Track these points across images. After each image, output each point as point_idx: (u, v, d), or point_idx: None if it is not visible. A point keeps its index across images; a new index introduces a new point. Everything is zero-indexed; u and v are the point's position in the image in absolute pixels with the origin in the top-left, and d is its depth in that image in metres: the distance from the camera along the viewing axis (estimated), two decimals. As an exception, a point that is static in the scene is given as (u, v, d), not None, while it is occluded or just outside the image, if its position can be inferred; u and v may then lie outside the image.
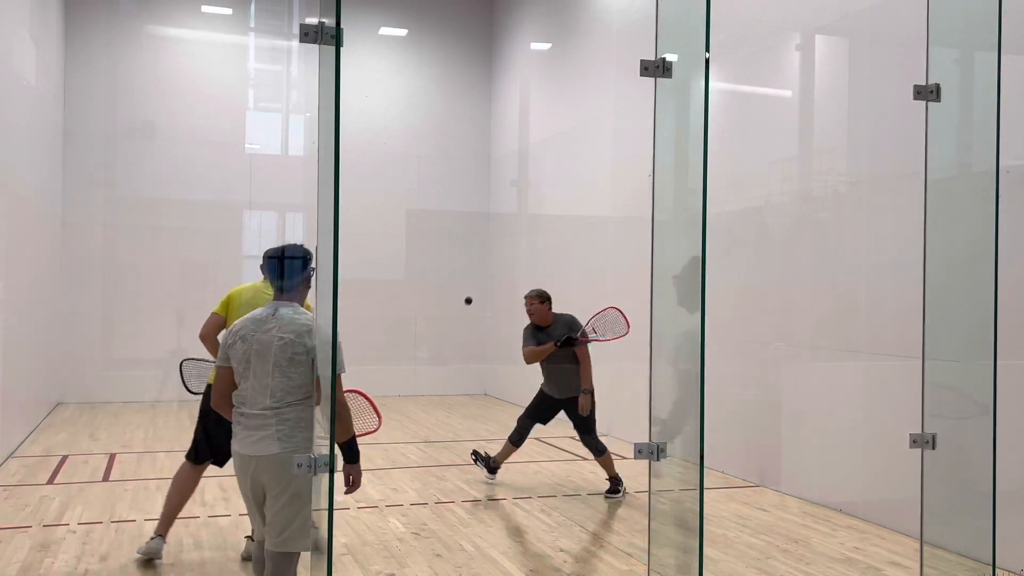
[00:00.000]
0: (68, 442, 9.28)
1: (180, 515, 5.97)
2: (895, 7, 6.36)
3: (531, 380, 13.31)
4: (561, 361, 7.13)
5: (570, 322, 7.20)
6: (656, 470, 4.26)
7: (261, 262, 3.76)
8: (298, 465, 2.91)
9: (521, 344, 7.28)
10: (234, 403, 3.58)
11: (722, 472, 7.81)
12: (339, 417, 3.42)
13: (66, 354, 11.95)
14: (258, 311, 3.60)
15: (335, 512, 3.05)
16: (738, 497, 7.06)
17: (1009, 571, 4.87)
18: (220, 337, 3.85)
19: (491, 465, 7.51)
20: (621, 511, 6.65)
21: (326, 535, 3.00)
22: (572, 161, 11.74)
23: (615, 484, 7.06)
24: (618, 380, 10.12)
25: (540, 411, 7.36)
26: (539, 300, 7.21)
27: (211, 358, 4.96)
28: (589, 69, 11.20)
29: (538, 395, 7.38)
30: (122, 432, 9.93)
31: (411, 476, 7.74)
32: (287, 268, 3.55)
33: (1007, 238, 4.03)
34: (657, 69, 3.37)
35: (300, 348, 3.43)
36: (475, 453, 7.69)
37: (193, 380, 5.12)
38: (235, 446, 3.53)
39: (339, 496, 3.28)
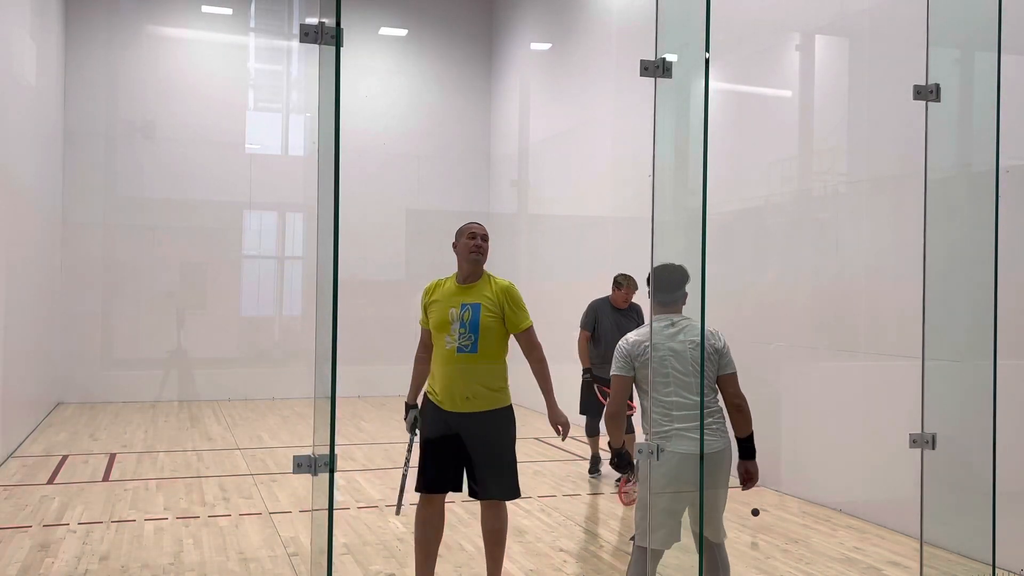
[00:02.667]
0: (68, 442, 9.28)
1: (180, 515, 6.00)
2: (895, 7, 6.36)
3: (531, 380, 13.28)
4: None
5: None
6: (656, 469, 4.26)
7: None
8: (298, 465, 2.91)
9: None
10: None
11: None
12: (741, 411, 3.96)
13: (66, 354, 11.95)
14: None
15: (335, 512, 3.05)
16: (738, 497, 7.06)
17: (1009, 571, 4.87)
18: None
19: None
20: (621, 511, 6.65)
21: (326, 535, 3.00)
22: (572, 161, 11.74)
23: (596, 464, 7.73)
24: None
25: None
26: (630, 284, 7.48)
27: None
28: (589, 69, 11.21)
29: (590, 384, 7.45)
30: (122, 432, 9.93)
31: (411, 476, 7.73)
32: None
33: (1007, 238, 4.03)
34: (657, 69, 3.37)
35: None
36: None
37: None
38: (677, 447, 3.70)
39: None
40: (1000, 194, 3.91)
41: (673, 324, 3.84)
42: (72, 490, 7.06)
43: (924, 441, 3.89)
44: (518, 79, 13.58)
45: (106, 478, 7.59)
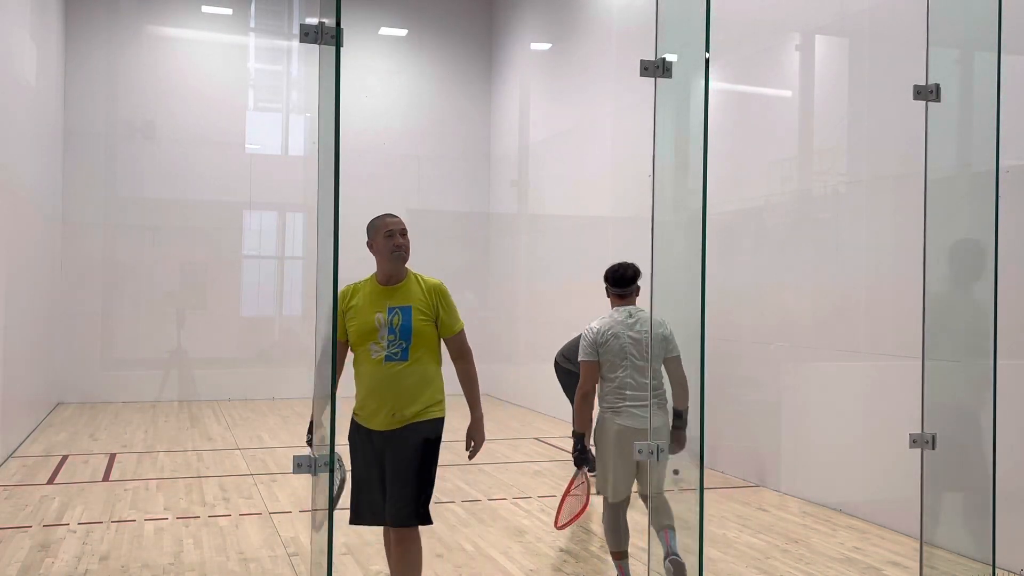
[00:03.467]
0: (68, 442, 9.28)
1: (180, 515, 6.00)
2: (895, 7, 6.36)
3: (531, 380, 13.32)
4: None
5: None
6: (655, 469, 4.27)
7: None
8: (298, 465, 2.91)
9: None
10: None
11: (722, 472, 7.81)
12: (684, 388, 4.40)
13: (66, 354, 11.96)
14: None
15: (335, 512, 3.05)
16: (738, 497, 7.06)
17: (1009, 571, 4.87)
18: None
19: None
20: (621, 511, 6.64)
21: (326, 535, 3.01)
22: (572, 161, 11.74)
23: None
24: (618, 380, 10.11)
25: None
26: None
27: None
28: (589, 69, 11.21)
29: None
30: (122, 432, 9.93)
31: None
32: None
33: (1007, 238, 4.03)
34: (657, 69, 3.37)
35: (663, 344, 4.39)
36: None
37: None
38: (626, 422, 4.48)
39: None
40: (1000, 194, 3.91)
41: (631, 315, 4.62)
42: (72, 490, 7.06)
43: (924, 441, 3.89)
44: (518, 79, 13.58)
45: (106, 478, 7.59)
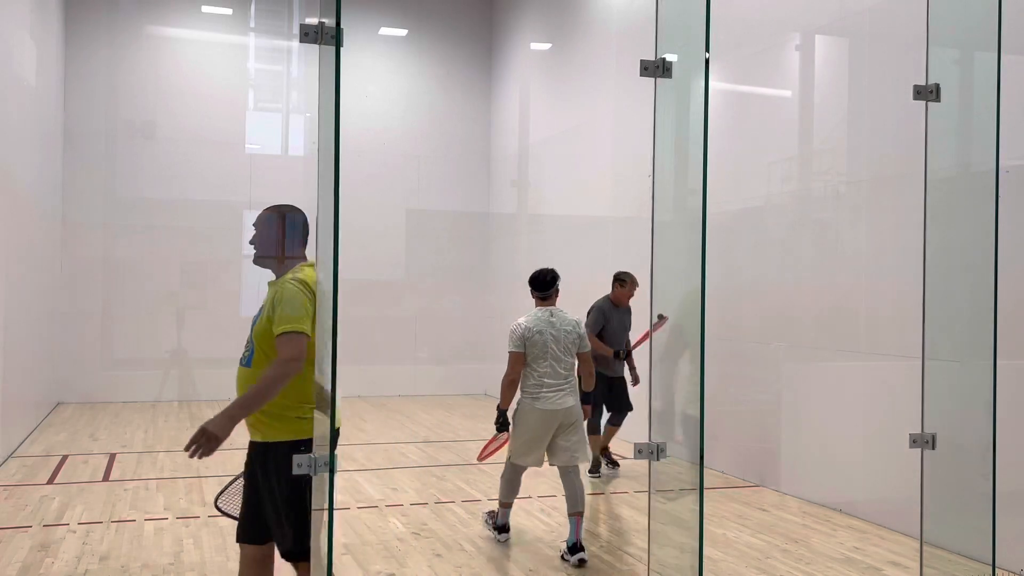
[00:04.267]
0: (68, 442, 9.28)
1: (180, 515, 5.99)
2: (895, 7, 6.36)
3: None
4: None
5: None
6: (656, 470, 4.26)
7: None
8: (298, 465, 2.91)
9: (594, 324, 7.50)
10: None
11: (722, 472, 7.81)
12: (591, 376, 5.60)
13: (66, 354, 11.95)
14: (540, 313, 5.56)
15: (335, 512, 3.05)
16: (738, 497, 7.06)
17: (1009, 571, 4.87)
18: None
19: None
20: (621, 511, 6.65)
21: (326, 535, 3.01)
22: (572, 161, 11.73)
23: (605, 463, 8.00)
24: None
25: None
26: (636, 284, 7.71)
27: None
28: (589, 69, 11.20)
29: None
30: (122, 432, 9.93)
31: (411, 476, 7.74)
32: None
33: (1007, 238, 4.03)
34: (657, 69, 3.37)
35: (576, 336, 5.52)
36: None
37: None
38: (543, 406, 5.37)
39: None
40: (1000, 194, 3.91)
41: (552, 315, 5.57)
42: (72, 490, 7.06)
43: (924, 441, 3.89)
44: (518, 79, 13.58)
45: (106, 478, 7.59)
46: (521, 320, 5.55)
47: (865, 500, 6.44)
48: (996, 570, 4.04)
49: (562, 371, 5.41)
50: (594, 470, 7.70)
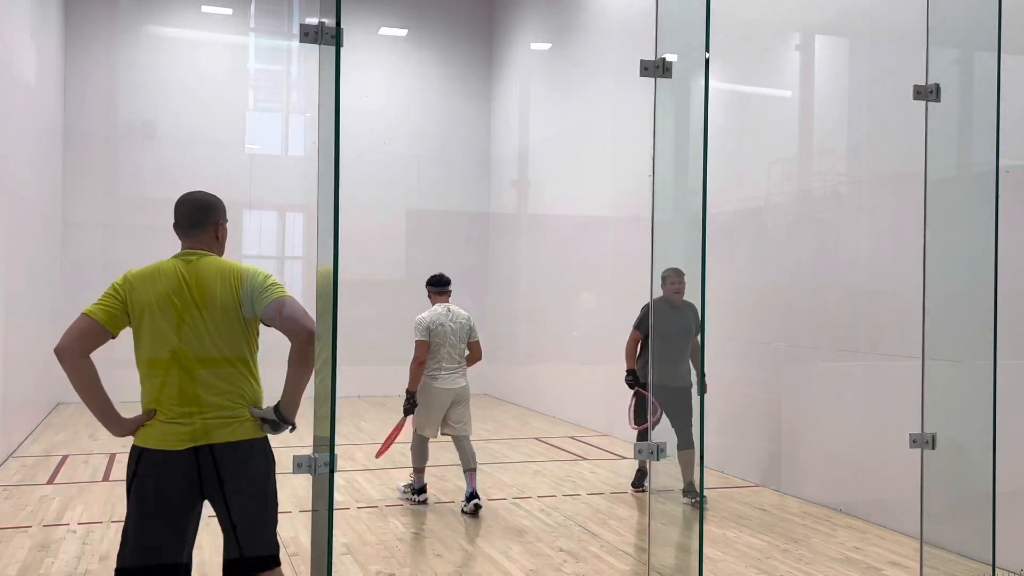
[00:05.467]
0: (68, 442, 9.28)
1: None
2: (895, 7, 6.36)
3: (531, 380, 13.32)
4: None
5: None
6: (656, 469, 4.27)
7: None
8: (298, 465, 2.91)
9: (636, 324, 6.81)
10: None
11: (722, 472, 7.81)
12: (478, 360, 6.81)
13: (66, 354, 11.93)
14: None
15: (335, 512, 3.05)
16: (738, 497, 7.06)
17: (1009, 571, 4.87)
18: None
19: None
20: (621, 511, 6.65)
21: (326, 535, 3.01)
22: (572, 161, 11.74)
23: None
24: (618, 380, 10.11)
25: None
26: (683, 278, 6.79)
27: None
28: (589, 69, 11.20)
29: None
30: (122, 432, 9.93)
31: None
32: None
33: (1007, 238, 4.03)
34: (657, 69, 3.37)
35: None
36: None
37: None
38: (440, 384, 6.48)
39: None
40: (1000, 194, 3.91)
41: (449, 311, 6.63)
42: (72, 490, 7.06)
43: (924, 441, 3.89)
44: (518, 79, 13.58)
45: (106, 478, 7.59)
46: (424, 314, 6.59)
47: (865, 500, 6.44)
48: (996, 570, 4.04)
49: (456, 356, 6.58)
50: (638, 484, 7.18)
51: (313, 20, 2.78)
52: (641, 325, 6.78)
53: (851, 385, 6.74)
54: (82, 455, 8.58)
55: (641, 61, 3.35)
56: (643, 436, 6.56)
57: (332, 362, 2.98)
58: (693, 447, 6.28)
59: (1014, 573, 4.95)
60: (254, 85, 13.87)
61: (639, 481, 7.17)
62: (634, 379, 6.77)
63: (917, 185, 4.03)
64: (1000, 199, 3.90)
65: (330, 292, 2.90)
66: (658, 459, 3.77)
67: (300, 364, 3.13)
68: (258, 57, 14.10)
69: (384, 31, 13.96)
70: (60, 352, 3.23)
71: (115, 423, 3.19)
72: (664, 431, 4.62)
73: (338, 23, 2.74)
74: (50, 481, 7.39)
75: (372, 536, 5.80)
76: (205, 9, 13.20)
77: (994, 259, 3.91)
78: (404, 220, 13.71)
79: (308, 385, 3.28)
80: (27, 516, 6.21)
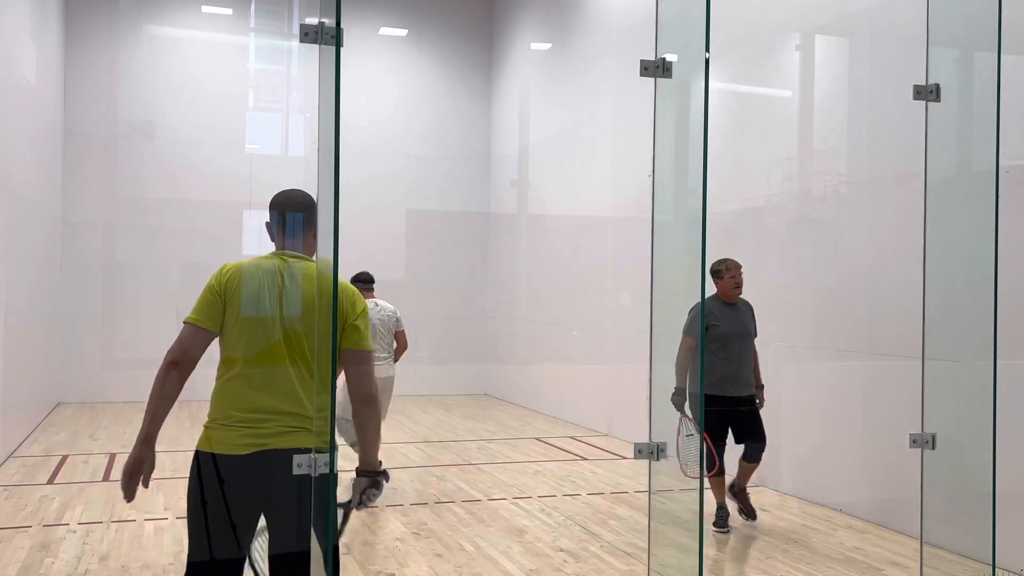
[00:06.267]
0: (68, 442, 9.28)
1: (180, 515, 5.98)
2: (895, 7, 6.36)
3: (531, 380, 13.32)
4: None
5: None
6: (656, 469, 4.26)
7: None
8: (298, 465, 2.91)
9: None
10: None
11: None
12: (404, 350, 7.32)
13: (66, 354, 11.95)
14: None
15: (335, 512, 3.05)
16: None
17: (1009, 571, 4.87)
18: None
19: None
20: (621, 511, 6.65)
21: (326, 535, 3.00)
22: (572, 161, 11.74)
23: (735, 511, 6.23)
24: (618, 380, 10.12)
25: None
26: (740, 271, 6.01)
27: None
28: (589, 69, 11.20)
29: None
30: (122, 432, 9.93)
31: (411, 476, 7.74)
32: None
33: (1007, 238, 4.02)
34: (657, 69, 3.37)
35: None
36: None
37: None
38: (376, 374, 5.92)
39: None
40: (1000, 194, 3.91)
41: (377, 304, 7.15)
42: (72, 490, 7.06)
43: (924, 441, 3.89)
44: (518, 79, 13.58)
45: (106, 478, 7.59)
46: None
47: (865, 500, 6.44)
48: (996, 570, 4.04)
49: (384, 346, 7.08)
50: (721, 523, 6.02)
51: (313, 20, 2.78)
52: (692, 329, 5.36)
53: (851, 385, 6.74)
54: (82, 455, 8.58)
55: (641, 61, 3.35)
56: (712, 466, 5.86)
57: (332, 362, 2.98)
58: (758, 462, 6.01)
59: (1014, 573, 4.95)
60: (254, 85, 13.87)
61: (723, 521, 6.02)
62: (682, 399, 5.47)
63: (917, 185, 4.03)
64: (1000, 199, 3.90)
65: (330, 292, 2.90)
66: (658, 459, 3.77)
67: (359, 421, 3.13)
68: (258, 57, 14.10)
69: (384, 31, 13.96)
70: (175, 364, 3.02)
71: (149, 439, 3.06)
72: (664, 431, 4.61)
73: (338, 23, 2.74)
74: (50, 481, 7.39)
75: (372, 536, 5.80)
76: (205, 9, 13.20)
77: (994, 259, 3.91)
78: (404, 220, 13.71)
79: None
80: (27, 516, 6.21)
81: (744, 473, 6.10)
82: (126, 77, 12.66)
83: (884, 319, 6.32)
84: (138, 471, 2.96)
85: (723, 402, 5.81)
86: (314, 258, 3.24)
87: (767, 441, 6.03)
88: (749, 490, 6.30)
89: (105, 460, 8.37)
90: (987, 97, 3.92)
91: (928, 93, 3.91)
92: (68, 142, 12.31)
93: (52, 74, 11.41)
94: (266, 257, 3.22)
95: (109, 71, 12.59)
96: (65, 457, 8.44)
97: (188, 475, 3.01)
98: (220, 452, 2.98)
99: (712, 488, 6.02)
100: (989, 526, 3.91)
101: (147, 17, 12.96)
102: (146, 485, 3.00)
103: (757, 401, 6.03)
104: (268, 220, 3.29)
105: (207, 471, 2.98)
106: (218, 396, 3.05)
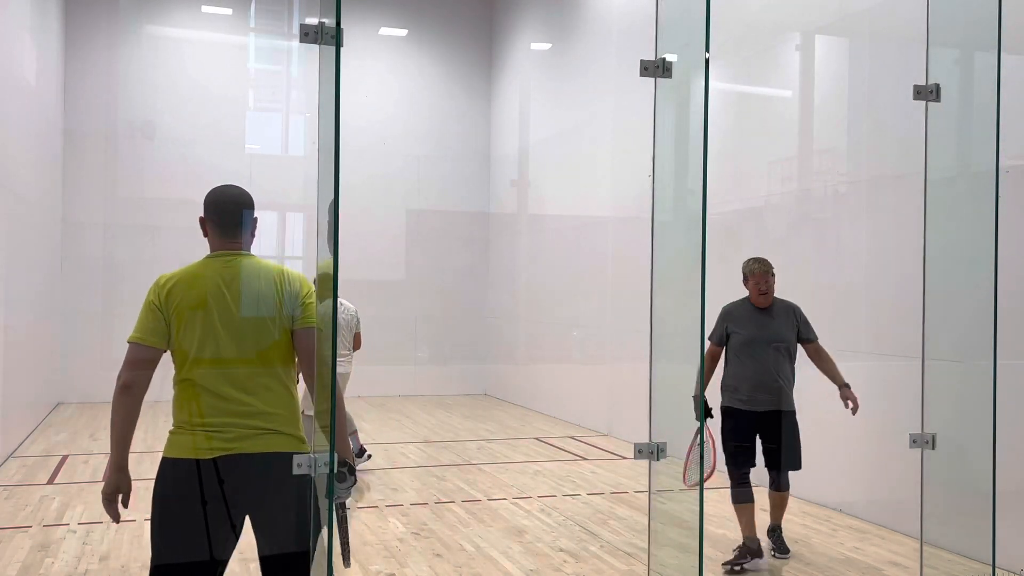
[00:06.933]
0: (68, 442, 9.28)
1: (114, 506, 6.02)
2: (895, 7, 6.36)
3: (531, 380, 13.30)
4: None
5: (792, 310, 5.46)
6: (656, 469, 4.26)
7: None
8: (298, 465, 2.91)
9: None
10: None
11: (722, 472, 7.80)
12: (359, 347, 7.13)
13: (66, 354, 11.95)
14: None
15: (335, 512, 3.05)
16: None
17: (1009, 571, 4.87)
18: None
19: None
20: (621, 511, 6.65)
21: (326, 535, 3.01)
22: (572, 161, 11.74)
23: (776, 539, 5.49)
24: (618, 380, 10.12)
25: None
26: (772, 274, 5.42)
27: None
28: (589, 69, 11.20)
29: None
30: (122, 432, 9.93)
31: (411, 476, 7.74)
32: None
33: (1007, 238, 4.03)
34: (657, 69, 3.37)
35: None
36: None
37: None
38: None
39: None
40: (1000, 194, 3.91)
41: (342, 305, 6.99)
42: (72, 490, 7.06)
43: (924, 441, 3.89)
44: (518, 79, 13.58)
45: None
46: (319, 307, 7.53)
47: (865, 500, 6.44)
48: (996, 570, 4.04)
49: (345, 344, 7.28)
50: (736, 560, 5.25)
51: (313, 20, 2.78)
52: (713, 334, 5.37)
53: (851, 385, 6.74)
54: (82, 455, 8.58)
55: (641, 61, 3.35)
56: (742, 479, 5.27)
57: (332, 362, 2.98)
58: (786, 491, 5.48)
59: (1014, 573, 4.95)
60: (254, 85, 13.87)
61: (740, 559, 5.26)
62: (704, 410, 4.77)
63: (917, 185, 4.03)
64: (1000, 199, 3.90)
65: (330, 292, 2.90)
66: (658, 459, 3.77)
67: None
68: (258, 57, 14.10)
69: (384, 31, 13.96)
70: (128, 388, 3.03)
71: (121, 465, 3.06)
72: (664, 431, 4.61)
73: (338, 23, 2.74)
74: (50, 481, 7.39)
75: (372, 536, 5.80)
76: (205, 9, 13.20)
77: (994, 259, 3.91)
78: (404, 220, 13.71)
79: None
80: (27, 516, 6.21)
81: (776, 507, 5.48)
82: (126, 77, 12.66)
83: (884, 319, 6.32)
84: (115, 497, 3.00)
85: (740, 415, 5.30)
86: (247, 252, 3.16)
87: (800, 461, 5.37)
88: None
89: (105, 460, 8.36)
90: (987, 97, 3.92)
91: (928, 93, 3.91)
92: (68, 142, 12.31)
93: (52, 74, 11.41)
94: (202, 262, 3.16)
95: (109, 71, 12.59)
96: (65, 457, 8.44)
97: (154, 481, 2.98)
98: (184, 457, 2.97)
99: (738, 517, 5.36)
100: (989, 526, 3.91)
101: (147, 17, 12.96)
102: (126, 506, 3.03)
103: (849, 404, 5.33)
104: (201, 216, 3.21)
105: (174, 476, 2.96)
106: (176, 403, 3.08)
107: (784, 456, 5.29)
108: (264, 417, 2.99)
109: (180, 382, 3.07)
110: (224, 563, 3.03)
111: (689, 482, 4.29)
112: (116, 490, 3.00)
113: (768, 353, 5.30)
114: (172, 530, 2.97)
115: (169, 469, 2.97)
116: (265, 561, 3.04)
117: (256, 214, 3.23)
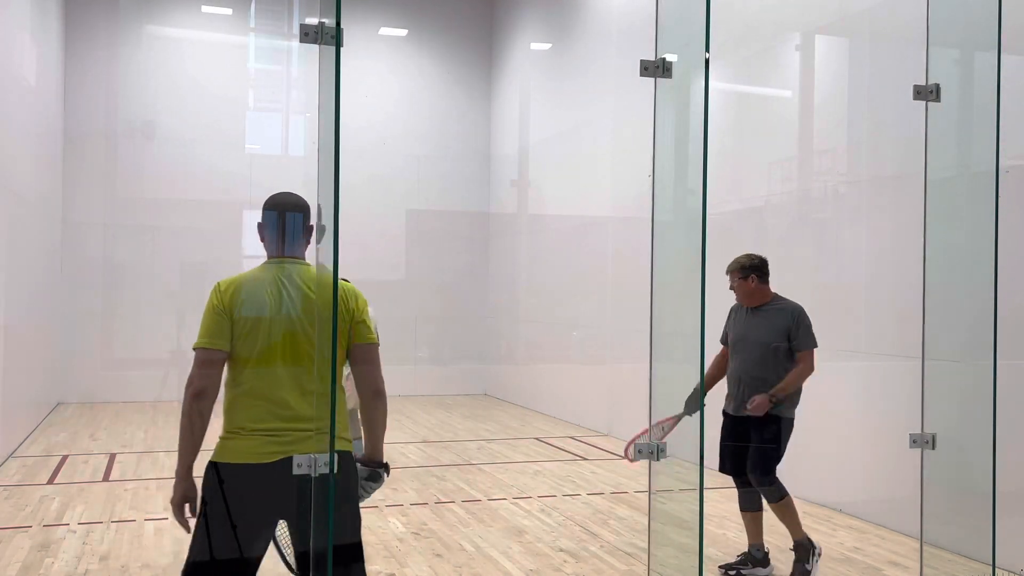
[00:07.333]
0: (68, 442, 9.28)
1: (183, 515, 6.00)
2: (895, 7, 6.36)
3: (531, 380, 13.32)
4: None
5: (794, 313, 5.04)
6: (656, 469, 4.26)
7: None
8: (298, 464, 2.91)
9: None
10: None
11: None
12: None
13: (66, 354, 11.95)
14: None
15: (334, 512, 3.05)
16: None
17: (1009, 571, 4.87)
18: None
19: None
20: (621, 511, 6.65)
21: (326, 535, 3.01)
22: (572, 161, 11.74)
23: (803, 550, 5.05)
24: (618, 380, 10.12)
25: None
26: (740, 274, 5.05)
27: None
28: (589, 69, 11.21)
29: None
30: (122, 432, 9.93)
31: (411, 476, 7.74)
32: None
33: (1007, 238, 4.03)
34: (657, 69, 3.37)
35: None
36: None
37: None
38: None
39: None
40: (1000, 194, 3.91)
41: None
42: (72, 490, 7.06)
43: (924, 441, 3.89)
44: (518, 79, 13.58)
45: (106, 478, 7.59)
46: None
47: (865, 500, 6.44)
48: (996, 570, 4.04)
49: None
50: (735, 566, 5.18)
51: (313, 20, 2.78)
52: (722, 334, 5.22)
53: (851, 385, 6.74)
54: (82, 455, 8.58)
55: (641, 61, 3.35)
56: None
57: (332, 362, 2.98)
58: (759, 510, 5.18)
59: (1014, 573, 4.95)
60: (254, 85, 13.87)
61: (739, 565, 5.20)
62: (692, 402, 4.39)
63: (917, 185, 4.03)
64: (1000, 199, 3.90)
65: (330, 292, 2.90)
66: (658, 459, 3.77)
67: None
68: (258, 57, 14.10)
69: (384, 31, 13.96)
70: (202, 395, 3.02)
71: (189, 473, 3.07)
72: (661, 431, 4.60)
73: (338, 23, 2.74)
74: (50, 481, 7.39)
75: (372, 536, 5.80)
76: (205, 9, 13.20)
77: (994, 259, 3.91)
78: (404, 220, 13.72)
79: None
80: (27, 516, 6.21)
81: (788, 520, 5.09)
82: (126, 77, 12.66)
83: (884, 319, 6.32)
84: (184, 506, 3.06)
85: (725, 417, 5.16)
86: (307, 260, 3.19)
87: (766, 475, 5.03)
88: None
89: (105, 460, 8.37)
90: (987, 97, 3.92)
91: (928, 93, 3.91)
92: (68, 142, 12.32)
93: (52, 74, 11.41)
94: (261, 268, 3.17)
95: (109, 71, 12.59)
96: (65, 457, 8.44)
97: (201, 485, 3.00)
98: (242, 462, 2.98)
99: (744, 524, 5.22)
100: (989, 526, 3.91)
101: (147, 17, 12.96)
102: (194, 514, 3.07)
103: (749, 406, 4.97)
104: (260, 222, 3.21)
105: (228, 481, 3.00)
106: (231, 408, 3.05)
107: (749, 463, 5.03)
108: (316, 420, 3.03)
109: (236, 387, 3.05)
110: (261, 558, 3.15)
111: (631, 458, 3.98)
112: (184, 498, 3.03)
113: (753, 355, 5.01)
114: (225, 530, 3.02)
115: (227, 474, 2.98)
116: (303, 557, 3.13)
117: (311, 222, 3.22)
